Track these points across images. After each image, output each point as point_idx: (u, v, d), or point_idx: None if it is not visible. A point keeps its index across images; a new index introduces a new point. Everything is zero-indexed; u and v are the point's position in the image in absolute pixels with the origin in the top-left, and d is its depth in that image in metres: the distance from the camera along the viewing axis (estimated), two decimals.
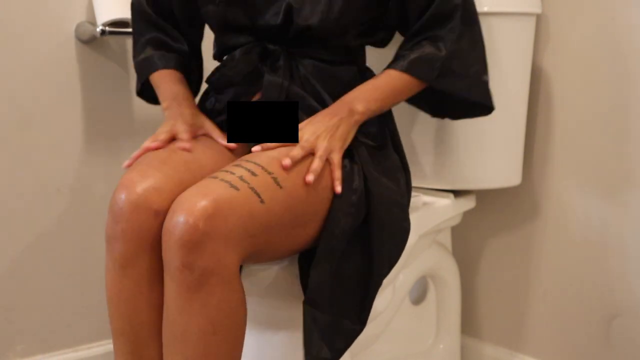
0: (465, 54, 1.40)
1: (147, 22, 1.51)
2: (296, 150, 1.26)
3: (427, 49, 1.38)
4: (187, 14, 1.51)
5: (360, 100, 1.36)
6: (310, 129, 1.30)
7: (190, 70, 1.52)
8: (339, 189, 1.27)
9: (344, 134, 1.32)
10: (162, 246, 1.18)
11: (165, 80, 1.47)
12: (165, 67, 1.47)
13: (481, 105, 1.47)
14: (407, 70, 1.38)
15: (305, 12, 1.36)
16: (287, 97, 1.38)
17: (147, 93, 1.53)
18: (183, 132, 1.36)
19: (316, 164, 1.26)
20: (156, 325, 1.22)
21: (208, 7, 1.43)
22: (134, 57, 1.53)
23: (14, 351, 1.76)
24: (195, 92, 1.53)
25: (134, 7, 1.54)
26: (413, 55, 1.38)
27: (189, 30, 1.53)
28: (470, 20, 1.42)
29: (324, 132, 1.30)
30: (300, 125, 1.32)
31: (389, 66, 1.40)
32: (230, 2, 1.40)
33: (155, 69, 1.47)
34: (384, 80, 1.39)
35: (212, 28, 1.49)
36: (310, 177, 1.24)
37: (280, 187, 1.22)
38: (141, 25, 1.52)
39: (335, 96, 1.39)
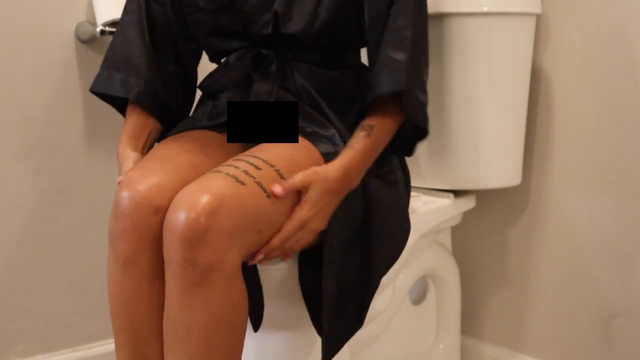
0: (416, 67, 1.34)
1: (135, 37, 1.43)
2: (277, 240, 1.22)
3: (386, 61, 1.32)
4: (186, 31, 1.47)
5: (363, 171, 1.30)
6: (310, 220, 1.24)
7: (163, 96, 1.44)
8: (286, 259, 1.26)
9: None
10: (163, 242, 1.17)
11: (127, 120, 1.41)
12: (132, 100, 1.41)
13: (416, 129, 1.39)
14: (378, 100, 1.32)
15: (290, 22, 1.36)
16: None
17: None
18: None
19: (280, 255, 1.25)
20: (157, 323, 1.22)
21: (198, 14, 1.42)
22: (107, 61, 1.43)
23: (14, 351, 1.76)
24: (176, 111, 1.47)
25: (125, 22, 1.44)
26: (382, 79, 1.31)
27: (187, 45, 1.48)
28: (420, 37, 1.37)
29: (319, 224, 1.24)
30: (310, 183, 1.23)
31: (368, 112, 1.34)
32: (220, 11, 1.40)
33: (123, 98, 1.42)
34: (372, 141, 1.31)
35: (199, 34, 1.44)
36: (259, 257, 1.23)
37: (285, 180, 1.22)
38: (126, 38, 1.43)
39: (332, 100, 1.39)
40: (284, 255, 1.25)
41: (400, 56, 1.32)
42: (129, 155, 1.35)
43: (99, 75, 1.44)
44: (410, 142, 1.41)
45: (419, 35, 1.36)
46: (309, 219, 1.24)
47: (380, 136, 1.33)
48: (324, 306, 1.26)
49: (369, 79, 1.34)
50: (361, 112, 1.43)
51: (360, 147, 1.30)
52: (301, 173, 1.23)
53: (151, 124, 1.43)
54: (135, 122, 1.41)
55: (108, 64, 1.44)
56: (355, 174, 1.29)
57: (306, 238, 1.25)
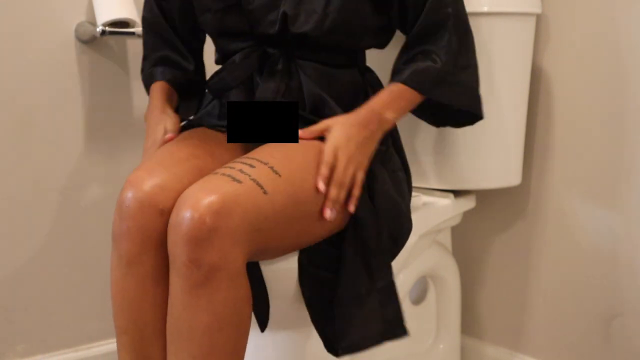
0: (458, 65, 1.40)
1: (161, 39, 1.54)
2: (323, 169, 1.27)
3: (422, 62, 1.39)
4: (188, 24, 1.53)
5: (390, 109, 1.36)
6: (343, 146, 1.29)
7: (193, 84, 1.55)
8: (352, 208, 1.28)
9: (372, 149, 1.33)
10: (168, 242, 1.18)
11: (155, 90, 1.52)
12: (161, 79, 1.52)
13: (471, 114, 1.47)
14: (405, 81, 1.38)
15: (299, 21, 1.37)
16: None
17: None
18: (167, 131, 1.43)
19: (341, 195, 1.27)
20: (160, 323, 1.22)
21: (206, 16, 1.43)
22: (144, 69, 1.56)
23: (14, 351, 1.76)
24: (197, 102, 1.56)
25: (148, 21, 1.55)
26: (409, 69, 1.38)
27: (190, 37, 1.55)
28: (463, 29, 1.42)
29: (355, 150, 1.29)
30: (330, 125, 1.31)
31: (391, 80, 1.40)
32: (227, 11, 1.41)
33: (154, 81, 1.53)
34: (396, 91, 1.38)
35: (210, 35, 1.50)
36: (328, 213, 1.26)
37: (280, 175, 1.23)
38: (155, 41, 1.55)
39: (336, 99, 1.39)
40: (344, 196, 1.27)
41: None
42: (169, 115, 1.44)
43: (146, 71, 1.56)
44: (465, 120, 1.50)
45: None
46: (340, 145, 1.28)
47: (406, 90, 1.38)
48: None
49: (400, 59, 1.41)
50: None
51: (383, 92, 1.38)
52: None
53: (175, 97, 1.54)
54: (164, 92, 1.51)
55: (148, 66, 1.56)
56: (380, 109, 1.35)
57: (352, 169, 1.28)
